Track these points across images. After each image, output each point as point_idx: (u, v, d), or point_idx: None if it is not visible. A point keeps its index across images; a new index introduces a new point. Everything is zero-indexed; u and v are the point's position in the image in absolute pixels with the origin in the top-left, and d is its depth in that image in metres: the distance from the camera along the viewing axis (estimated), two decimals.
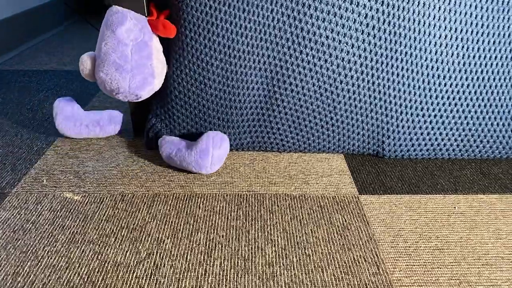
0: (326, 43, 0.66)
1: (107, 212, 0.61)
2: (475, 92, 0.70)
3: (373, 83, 0.69)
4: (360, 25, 0.65)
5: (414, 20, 0.65)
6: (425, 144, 0.74)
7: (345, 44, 0.66)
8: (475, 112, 0.72)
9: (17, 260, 0.52)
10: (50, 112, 0.92)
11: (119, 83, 0.63)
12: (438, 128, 0.73)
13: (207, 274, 0.51)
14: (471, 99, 0.71)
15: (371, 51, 0.67)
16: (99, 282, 0.49)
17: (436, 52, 0.67)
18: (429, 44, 0.67)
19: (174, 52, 0.68)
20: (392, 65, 0.68)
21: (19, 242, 0.55)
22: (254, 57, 0.68)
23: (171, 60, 0.69)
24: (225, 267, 0.52)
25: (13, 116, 0.90)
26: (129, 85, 0.63)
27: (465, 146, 0.74)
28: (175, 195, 0.65)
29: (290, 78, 0.69)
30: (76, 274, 0.50)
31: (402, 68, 0.68)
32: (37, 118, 0.89)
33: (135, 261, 0.52)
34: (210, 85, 0.70)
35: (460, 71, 0.69)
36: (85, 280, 0.50)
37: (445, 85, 0.70)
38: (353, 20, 0.65)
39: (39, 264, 0.52)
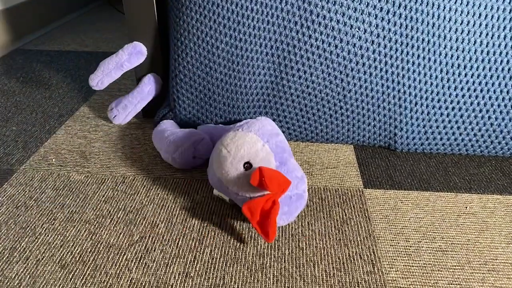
0: (336, 28, 0.63)
1: (106, 193, 0.61)
2: (499, 84, 0.65)
3: (386, 71, 0.65)
4: (374, 9, 0.61)
5: (432, 4, 0.60)
6: (441, 138, 0.69)
7: (356, 29, 0.63)
8: (498, 105, 0.66)
9: (16, 236, 0.54)
10: (66, 91, 0.94)
11: None
12: (456, 122, 0.68)
13: (196, 261, 0.50)
14: (494, 91, 0.65)
15: (384, 37, 0.63)
16: (89, 262, 0.50)
17: (456, 39, 0.62)
18: (449, 31, 0.62)
19: (179, 35, 0.67)
20: (407, 53, 0.63)
21: (20, 218, 0.57)
22: (261, 41, 0.65)
23: (176, 43, 0.68)
24: (215, 255, 0.51)
25: (31, 94, 0.92)
26: None
27: (485, 142, 0.69)
28: (175, 179, 0.64)
29: (298, 64, 0.66)
30: (69, 253, 0.51)
31: (418, 56, 0.63)
32: (53, 97, 0.91)
33: (127, 244, 0.53)
34: (215, 69, 0.68)
35: (483, 60, 0.63)
36: (77, 259, 0.50)
37: (465, 75, 0.65)
38: (366, 3, 0.61)
39: (36, 240, 0.53)
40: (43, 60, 1.13)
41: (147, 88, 0.75)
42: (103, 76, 0.72)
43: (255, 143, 0.53)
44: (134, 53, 0.72)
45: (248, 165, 0.52)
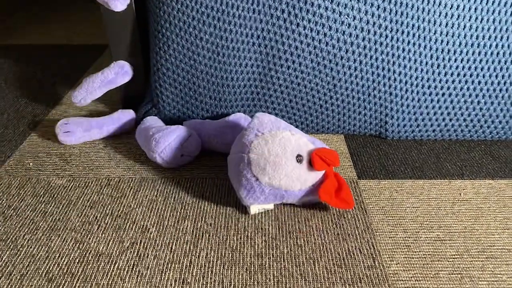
0: (325, 15, 0.61)
1: (91, 198, 0.58)
2: (489, 69, 0.64)
3: (377, 59, 0.64)
4: None
5: None
6: (431, 125, 0.69)
7: (346, 16, 0.61)
8: (487, 90, 0.66)
9: None
10: (37, 89, 0.88)
11: None
12: (446, 108, 0.67)
13: (192, 266, 0.48)
14: (484, 76, 0.65)
15: (374, 23, 0.61)
16: (78, 274, 0.47)
17: (446, 24, 0.61)
18: (439, 16, 0.60)
19: (159, 26, 0.63)
20: (398, 39, 0.62)
21: None
22: (247, 31, 0.62)
23: (157, 35, 0.64)
24: (212, 258, 0.49)
25: (0, 93, 0.87)
26: None
27: (474, 127, 0.69)
28: (163, 179, 0.62)
29: (286, 53, 0.64)
30: (56, 265, 0.48)
31: (408, 42, 0.62)
32: (25, 95, 0.86)
33: (117, 251, 0.50)
34: (200, 61, 0.65)
35: (472, 45, 0.63)
36: (65, 271, 0.47)
37: (455, 60, 0.64)
38: None
39: (18, 253, 0.50)
40: (10, 56, 1.06)
41: (122, 122, 0.71)
42: (87, 94, 0.70)
43: (288, 135, 0.53)
44: (121, 74, 0.70)
45: (300, 157, 0.53)
